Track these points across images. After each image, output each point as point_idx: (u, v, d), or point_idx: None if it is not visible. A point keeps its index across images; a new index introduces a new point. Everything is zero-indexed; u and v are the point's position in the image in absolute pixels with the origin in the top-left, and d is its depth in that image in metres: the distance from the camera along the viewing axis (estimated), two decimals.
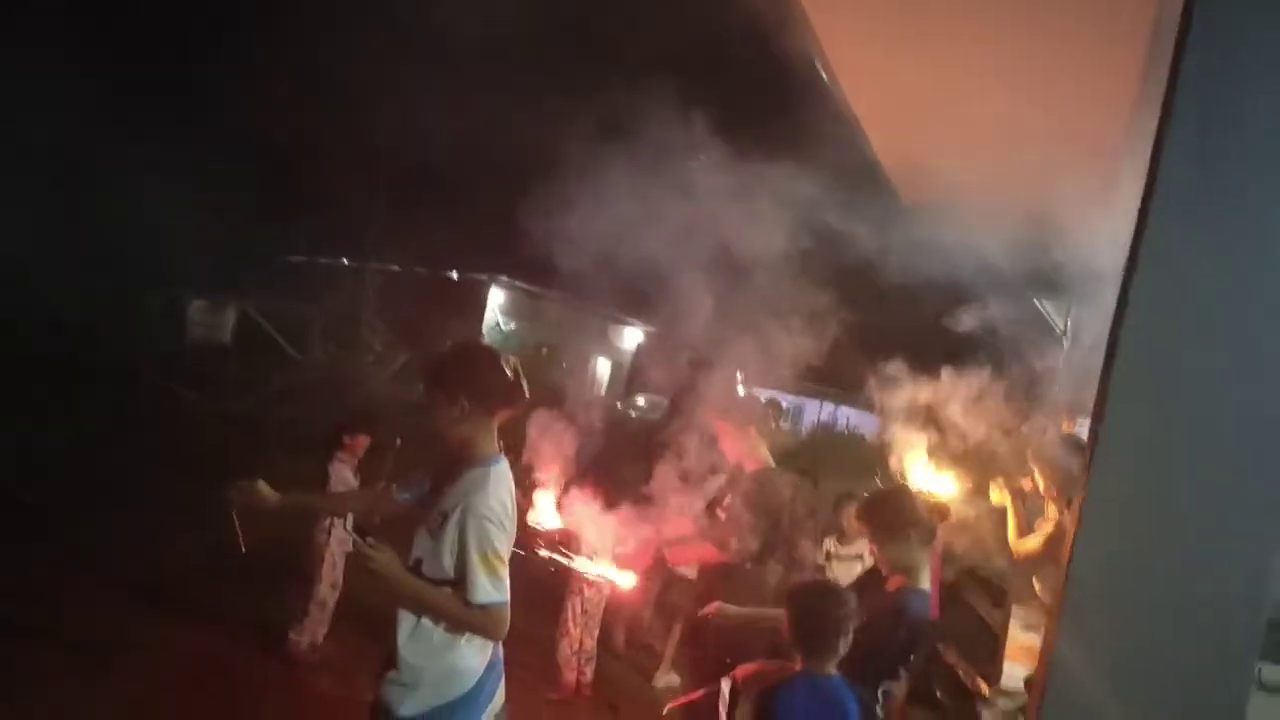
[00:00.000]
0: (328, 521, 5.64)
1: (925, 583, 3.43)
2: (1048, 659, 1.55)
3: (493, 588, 2.64)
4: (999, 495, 4.69)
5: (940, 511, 3.61)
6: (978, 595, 6.06)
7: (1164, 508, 1.51)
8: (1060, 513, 4.26)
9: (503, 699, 2.86)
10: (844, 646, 3.07)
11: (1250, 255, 1.51)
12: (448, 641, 2.70)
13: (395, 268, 25.05)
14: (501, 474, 2.79)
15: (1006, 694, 3.51)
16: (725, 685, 4.31)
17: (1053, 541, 4.20)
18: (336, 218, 23.50)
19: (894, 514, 3.49)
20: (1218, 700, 1.48)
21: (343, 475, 5.75)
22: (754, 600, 4.25)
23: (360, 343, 19.50)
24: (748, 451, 4.68)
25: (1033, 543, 4.41)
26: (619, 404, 20.11)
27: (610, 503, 4.58)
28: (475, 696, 2.72)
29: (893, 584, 3.45)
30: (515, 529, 2.80)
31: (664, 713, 4.46)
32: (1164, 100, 1.55)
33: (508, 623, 2.72)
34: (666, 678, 6.34)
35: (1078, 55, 3.62)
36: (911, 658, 3.44)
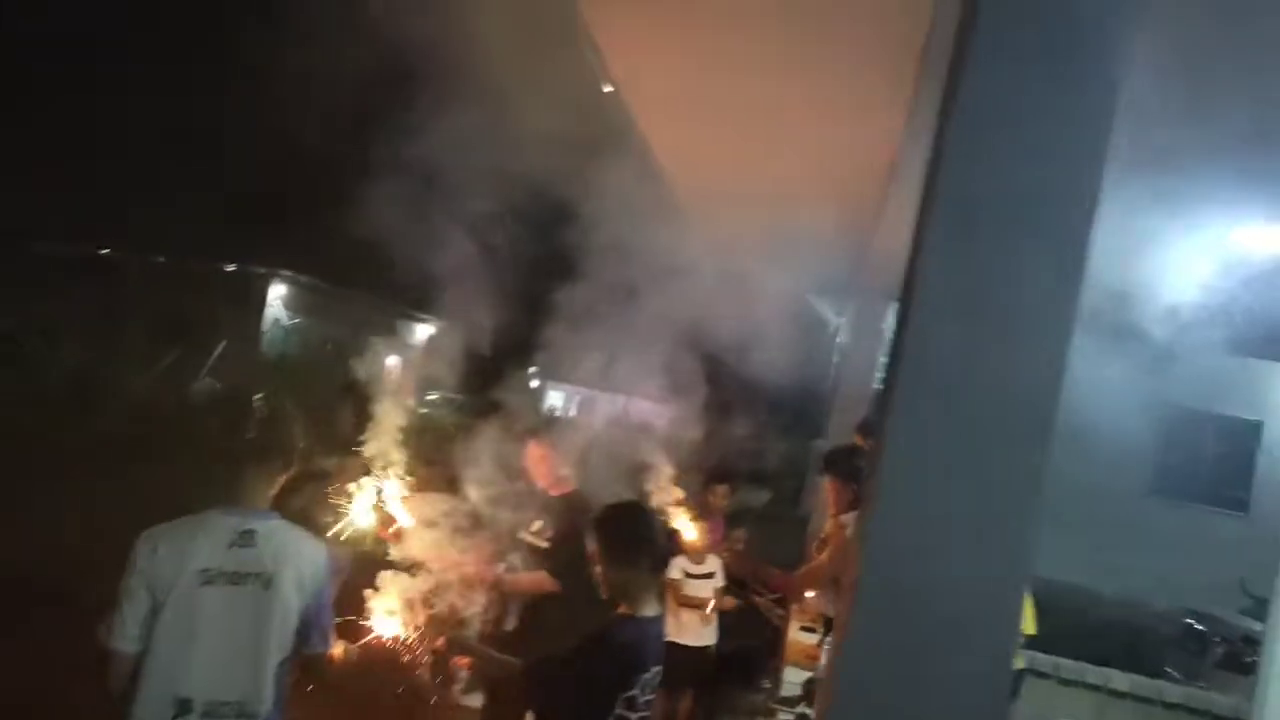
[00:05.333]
0: None
1: (651, 609, 3.05)
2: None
3: None
4: None
5: (674, 537, 3.28)
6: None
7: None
8: (834, 524, 4.32)
9: None
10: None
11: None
12: None
13: (162, 259, 23.20)
14: None
15: (785, 703, 3.32)
16: None
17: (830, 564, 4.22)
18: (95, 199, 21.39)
19: (624, 534, 3.08)
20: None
21: None
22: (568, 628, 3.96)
23: (120, 344, 17.69)
24: (555, 473, 4.40)
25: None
26: (409, 400, 19.32)
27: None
28: None
29: (621, 610, 3.03)
30: None
31: None
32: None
33: None
34: (470, 696, 6.01)
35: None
36: (635, 689, 2.91)
